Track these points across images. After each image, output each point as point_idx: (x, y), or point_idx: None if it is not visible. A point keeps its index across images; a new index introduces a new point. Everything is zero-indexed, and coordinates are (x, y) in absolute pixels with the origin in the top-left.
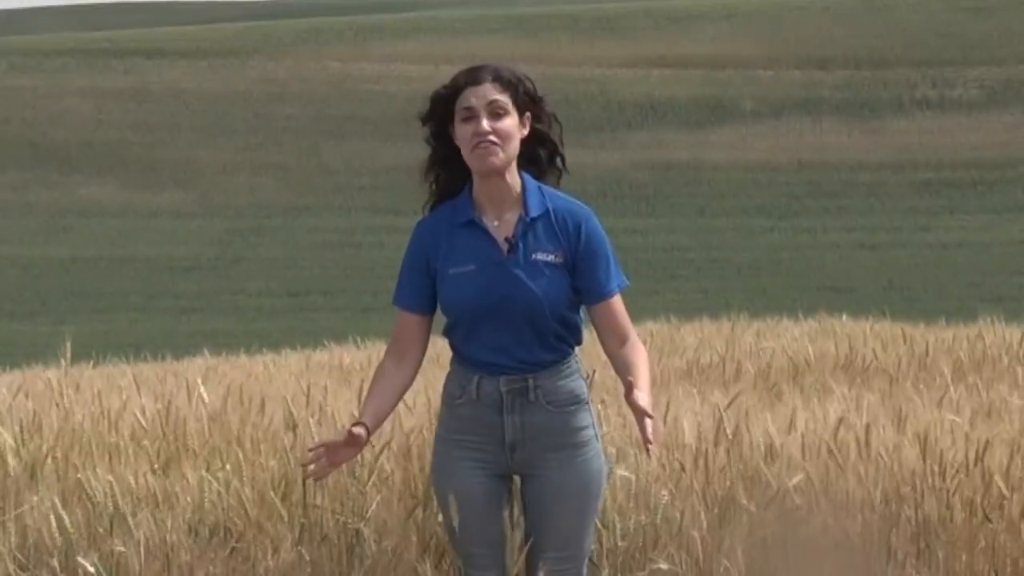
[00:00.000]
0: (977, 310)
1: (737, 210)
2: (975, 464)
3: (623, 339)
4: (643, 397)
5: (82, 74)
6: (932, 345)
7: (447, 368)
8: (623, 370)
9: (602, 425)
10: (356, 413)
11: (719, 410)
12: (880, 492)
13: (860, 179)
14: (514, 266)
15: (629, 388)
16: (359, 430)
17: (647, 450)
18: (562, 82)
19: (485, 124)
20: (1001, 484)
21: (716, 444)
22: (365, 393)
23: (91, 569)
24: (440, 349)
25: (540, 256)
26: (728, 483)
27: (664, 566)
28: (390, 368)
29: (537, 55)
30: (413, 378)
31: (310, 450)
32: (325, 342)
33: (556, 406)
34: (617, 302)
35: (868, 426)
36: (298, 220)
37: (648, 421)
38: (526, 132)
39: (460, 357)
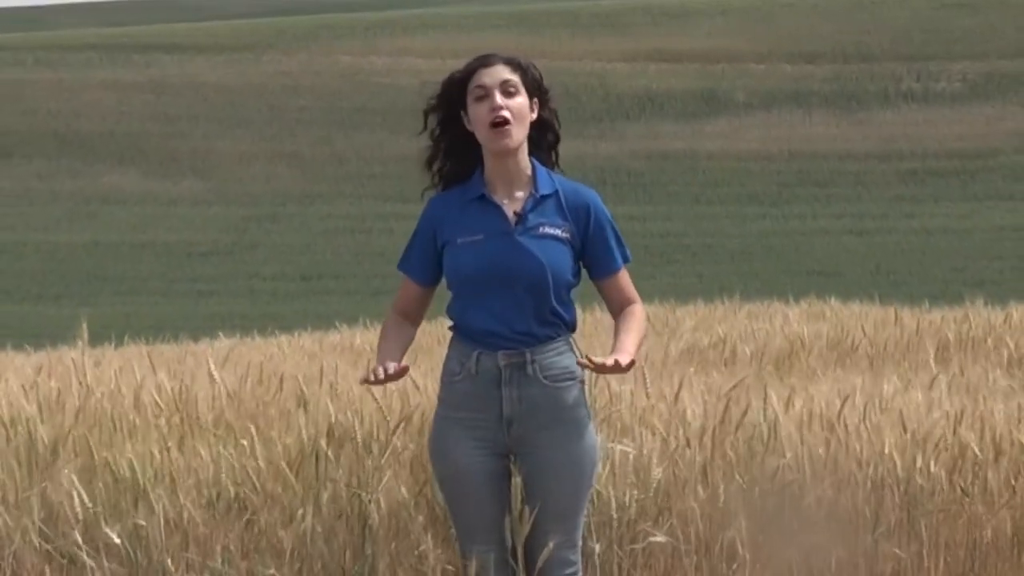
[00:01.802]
0: (960, 293)
1: (730, 198)
2: (955, 440)
3: (627, 307)
4: (617, 357)
5: (104, 68)
6: (919, 327)
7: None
8: (615, 335)
9: (612, 402)
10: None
11: (721, 390)
12: (870, 468)
13: (848, 168)
14: (520, 236)
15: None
16: (393, 365)
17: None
18: (563, 75)
19: (499, 99)
20: (979, 459)
21: (720, 422)
22: (380, 342)
23: (116, 540)
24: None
25: (548, 229)
26: (726, 459)
27: (661, 538)
28: (398, 323)
29: (539, 50)
30: (414, 335)
31: (375, 371)
32: (337, 324)
33: (552, 380)
34: (624, 275)
35: (857, 404)
36: (311, 207)
37: (608, 360)
38: (535, 116)
39: (460, 331)
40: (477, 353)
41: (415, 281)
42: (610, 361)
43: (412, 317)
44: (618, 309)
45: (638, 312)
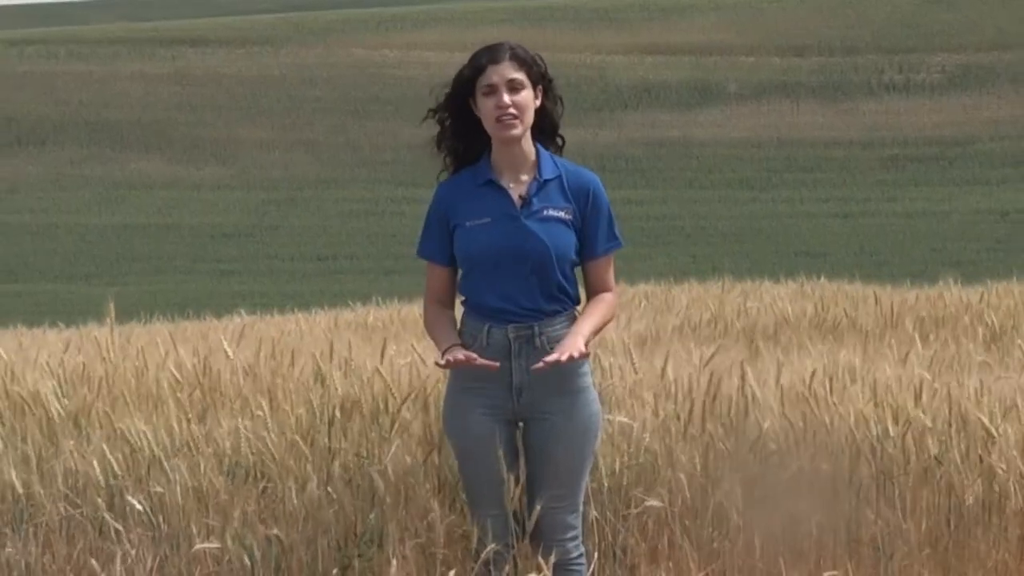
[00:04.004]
0: (939, 273)
1: (722, 183)
2: (927, 412)
3: (601, 292)
4: (567, 343)
5: (132, 61)
6: (898, 305)
7: None
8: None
9: (609, 376)
10: (437, 356)
11: (711, 364)
12: (849, 437)
13: (833, 155)
14: (526, 219)
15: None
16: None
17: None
18: (564, 67)
19: (506, 98)
20: (949, 430)
21: (705, 394)
22: (433, 331)
23: (138, 507)
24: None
25: (551, 212)
26: (713, 429)
27: (656, 503)
28: (438, 310)
29: (542, 43)
30: (455, 319)
31: (458, 359)
32: (351, 302)
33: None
34: (606, 262)
35: (841, 377)
36: (327, 192)
37: (563, 356)
38: (539, 103)
39: (471, 307)
40: (488, 326)
41: (439, 264)
42: (564, 356)
43: (446, 302)
44: (592, 293)
45: (607, 299)
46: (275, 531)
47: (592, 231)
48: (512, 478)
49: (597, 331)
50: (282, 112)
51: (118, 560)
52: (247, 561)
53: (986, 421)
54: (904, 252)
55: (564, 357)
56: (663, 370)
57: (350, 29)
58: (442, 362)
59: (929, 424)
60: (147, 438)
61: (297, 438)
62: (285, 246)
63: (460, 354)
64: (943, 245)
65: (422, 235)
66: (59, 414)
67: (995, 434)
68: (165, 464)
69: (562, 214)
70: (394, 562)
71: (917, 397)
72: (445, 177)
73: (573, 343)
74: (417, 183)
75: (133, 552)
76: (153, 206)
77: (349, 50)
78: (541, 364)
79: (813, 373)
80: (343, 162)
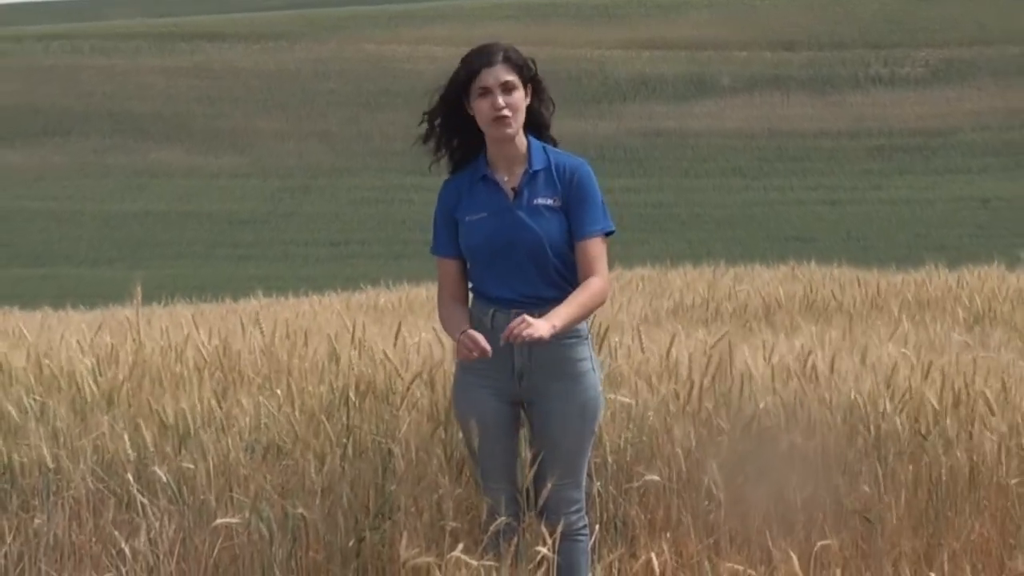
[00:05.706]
0: (923, 258)
1: (716, 171)
2: (916, 390)
3: (589, 277)
4: (537, 321)
5: (154, 55)
6: (884, 288)
7: None
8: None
9: (610, 357)
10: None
11: (706, 345)
12: (839, 414)
13: (822, 145)
14: (518, 210)
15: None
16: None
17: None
18: (566, 62)
19: (500, 100)
20: (938, 407)
21: (703, 374)
22: (448, 325)
23: (164, 479)
24: None
25: (540, 201)
26: (710, 407)
27: (655, 478)
28: (452, 305)
29: (545, 38)
30: (468, 313)
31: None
32: (362, 285)
33: (559, 339)
34: (594, 245)
35: (830, 356)
36: (340, 180)
37: (513, 325)
38: (528, 101)
39: (478, 294)
40: (493, 310)
41: (451, 257)
42: (513, 334)
43: (459, 296)
44: (581, 277)
45: (592, 286)
46: (300, 511)
47: (576, 213)
48: (519, 455)
49: (576, 319)
50: (297, 104)
51: (143, 532)
52: (266, 533)
53: (972, 398)
54: (889, 238)
55: (513, 335)
56: (668, 351)
57: (362, 25)
58: (460, 345)
59: (919, 401)
60: (179, 415)
61: (321, 417)
62: (299, 232)
63: (468, 339)
64: (927, 231)
65: (433, 234)
66: (92, 392)
67: (991, 409)
68: (195, 439)
69: (551, 202)
70: (405, 534)
71: (910, 376)
72: (437, 167)
73: (539, 326)
74: (425, 172)
75: (157, 524)
76: (173, 194)
77: (361, 45)
78: (502, 337)
79: (809, 352)
80: (355, 152)
